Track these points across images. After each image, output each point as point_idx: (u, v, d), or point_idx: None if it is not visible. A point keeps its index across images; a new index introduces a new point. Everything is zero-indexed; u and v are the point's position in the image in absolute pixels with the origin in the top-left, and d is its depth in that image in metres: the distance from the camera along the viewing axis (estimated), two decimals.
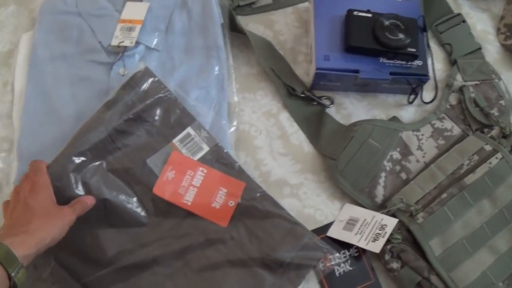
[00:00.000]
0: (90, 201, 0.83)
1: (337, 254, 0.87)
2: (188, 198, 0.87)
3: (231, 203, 0.87)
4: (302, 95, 0.98)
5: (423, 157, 0.93)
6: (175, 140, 0.89)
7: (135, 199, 0.87)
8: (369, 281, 0.87)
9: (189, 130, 0.90)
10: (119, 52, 0.96)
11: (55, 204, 0.79)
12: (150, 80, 0.90)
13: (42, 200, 0.77)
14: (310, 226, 0.89)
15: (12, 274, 0.68)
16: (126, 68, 0.95)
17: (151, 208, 0.87)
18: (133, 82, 0.89)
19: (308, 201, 0.92)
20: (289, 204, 0.92)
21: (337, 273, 0.87)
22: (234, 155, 0.93)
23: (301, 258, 0.84)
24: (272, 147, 0.96)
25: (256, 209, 0.87)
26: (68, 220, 0.77)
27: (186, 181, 0.88)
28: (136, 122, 0.89)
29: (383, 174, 0.91)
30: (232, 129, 0.96)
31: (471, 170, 0.88)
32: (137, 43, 0.96)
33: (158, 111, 0.90)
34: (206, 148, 0.89)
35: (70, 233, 0.77)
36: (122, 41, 0.95)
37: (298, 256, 0.84)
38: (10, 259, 0.68)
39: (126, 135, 0.88)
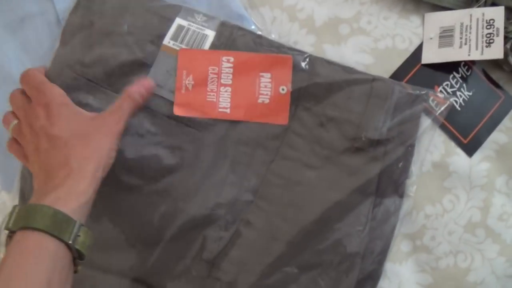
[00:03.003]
0: (146, 87, 0.61)
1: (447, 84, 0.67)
2: (224, 105, 0.63)
3: (283, 89, 0.63)
4: None
5: None
6: (166, 41, 0.64)
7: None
8: (498, 100, 0.68)
9: (178, 21, 0.64)
10: None
11: (88, 118, 0.58)
12: None
13: (69, 123, 0.57)
14: (396, 62, 0.68)
15: (70, 242, 0.49)
16: None
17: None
18: None
19: (377, 30, 0.69)
20: (356, 45, 0.69)
21: (457, 106, 0.67)
22: (255, 17, 0.68)
23: (399, 122, 0.63)
24: None
25: (314, 84, 0.63)
26: (115, 133, 0.57)
27: (212, 83, 0.63)
28: (108, 38, 0.63)
29: None
30: None
31: None
32: None
33: (127, 16, 0.64)
34: (211, 34, 0.64)
35: None
36: None
37: (395, 121, 0.62)
38: (59, 222, 0.49)
39: (99, 64, 0.63)
